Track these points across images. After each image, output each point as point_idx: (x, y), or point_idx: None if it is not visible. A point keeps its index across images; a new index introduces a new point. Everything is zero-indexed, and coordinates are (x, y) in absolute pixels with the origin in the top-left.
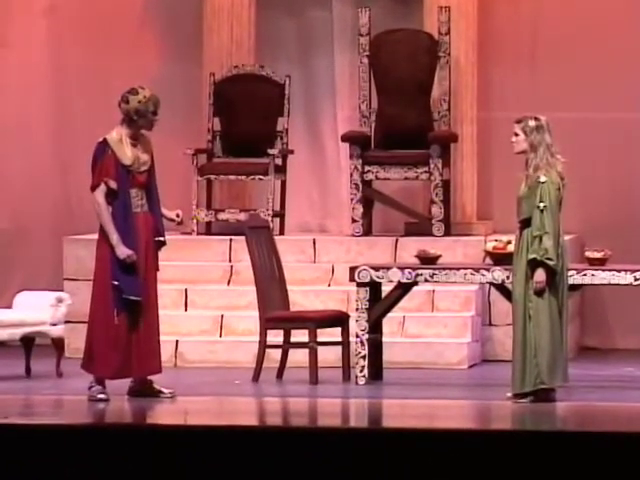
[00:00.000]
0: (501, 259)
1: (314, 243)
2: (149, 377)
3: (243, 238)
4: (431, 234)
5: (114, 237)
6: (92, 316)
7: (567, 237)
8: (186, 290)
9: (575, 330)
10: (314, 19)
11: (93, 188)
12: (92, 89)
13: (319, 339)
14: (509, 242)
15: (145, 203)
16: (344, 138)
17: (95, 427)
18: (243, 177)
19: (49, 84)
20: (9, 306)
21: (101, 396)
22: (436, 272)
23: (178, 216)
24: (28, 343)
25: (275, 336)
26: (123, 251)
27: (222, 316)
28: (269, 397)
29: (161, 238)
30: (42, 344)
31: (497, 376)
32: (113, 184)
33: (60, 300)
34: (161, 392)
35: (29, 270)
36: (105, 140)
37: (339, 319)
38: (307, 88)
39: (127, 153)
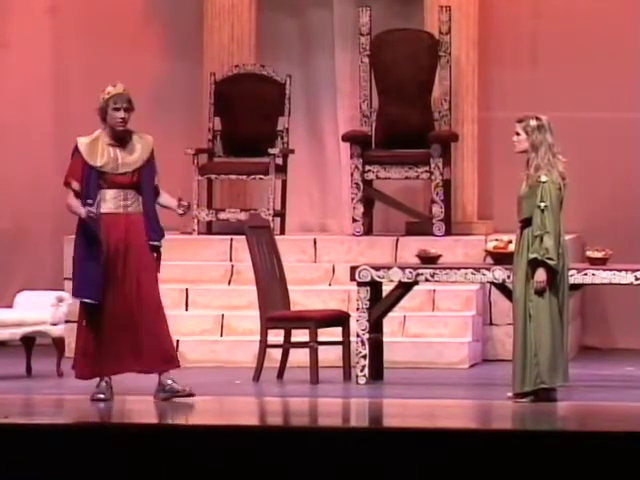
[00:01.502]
0: (502, 259)
1: (315, 243)
2: (164, 373)
3: (244, 238)
4: (432, 234)
5: (82, 211)
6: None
7: (568, 237)
8: (187, 290)
9: (575, 330)
10: (315, 18)
11: (65, 185)
12: (93, 89)
13: (320, 339)
14: (510, 242)
15: (130, 204)
16: (345, 138)
17: (96, 427)
18: (244, 177)
19: (49, 84)
20: (9, 306)
21: (100, 396)
22: (437, 272)
23: (180, 206)
24: (29, 343)
25: (276, 336)
26: (84, 211)
27: (223, 316)
28: (270, 397)
29: (153, 243)
30: (43, 344)
31: (498, 376)
32: (76, 186)
33: (60, 300)
34: (176, 391)
35: (29, 270)
36: (76, 144)
37: (340, 319)
38: (308, 88)
39: (98, 155)
